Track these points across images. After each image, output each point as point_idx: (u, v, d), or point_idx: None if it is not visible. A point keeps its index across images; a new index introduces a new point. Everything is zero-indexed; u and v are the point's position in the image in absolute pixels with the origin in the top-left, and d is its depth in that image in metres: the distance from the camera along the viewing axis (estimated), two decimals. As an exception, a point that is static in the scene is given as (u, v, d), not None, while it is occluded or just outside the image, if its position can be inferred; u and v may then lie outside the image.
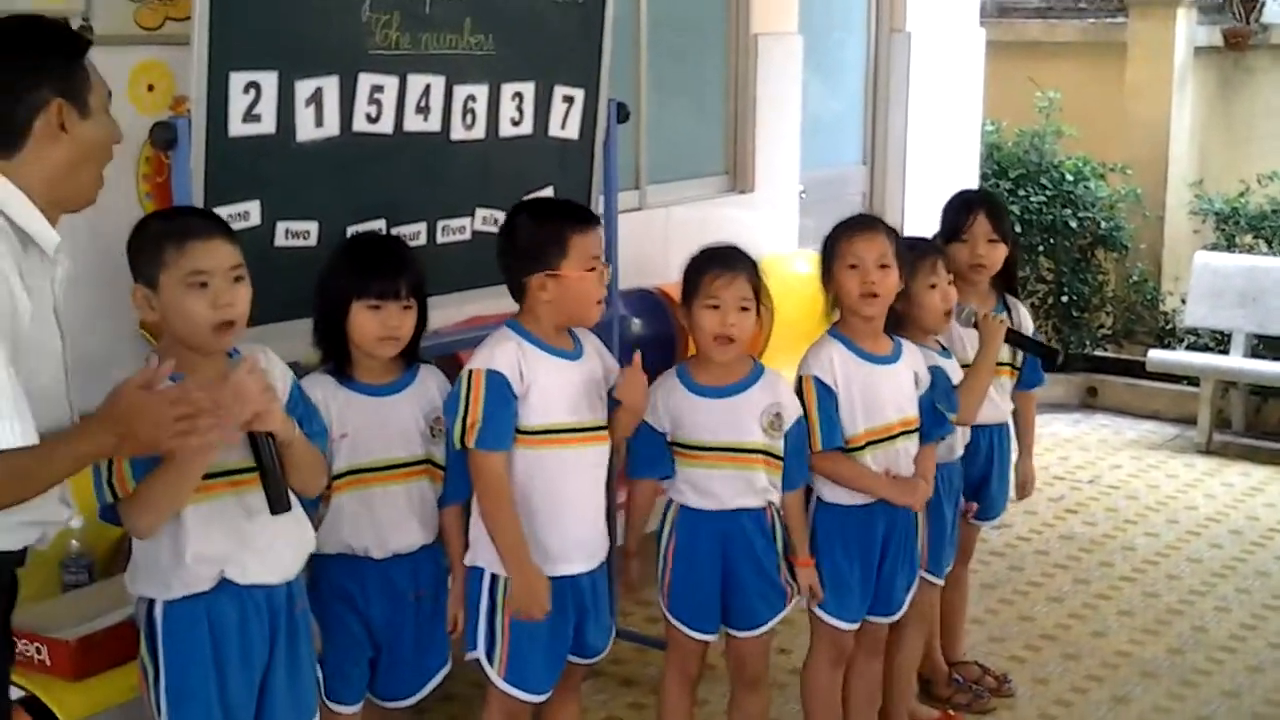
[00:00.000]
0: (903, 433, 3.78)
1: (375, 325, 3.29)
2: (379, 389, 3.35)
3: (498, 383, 3.29)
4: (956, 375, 4.02)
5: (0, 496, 2.42)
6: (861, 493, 3.75)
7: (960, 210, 4.35)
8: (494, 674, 3.40)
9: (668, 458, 3.64)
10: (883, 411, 3.75)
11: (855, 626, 3.87)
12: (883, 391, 3.76)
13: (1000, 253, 4.30)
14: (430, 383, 3.41)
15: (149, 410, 2.48)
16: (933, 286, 3.98)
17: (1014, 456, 4.58)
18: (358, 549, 3.32)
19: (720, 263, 3.60)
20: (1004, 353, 4.23)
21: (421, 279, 3.38)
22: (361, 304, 3.28)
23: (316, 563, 3.16)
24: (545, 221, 3.42)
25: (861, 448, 3.73)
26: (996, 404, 4.35)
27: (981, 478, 4.42)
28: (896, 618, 3.95)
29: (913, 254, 3.92)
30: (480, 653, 3.41)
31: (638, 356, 3.46)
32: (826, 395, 3.71)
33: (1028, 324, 4.47)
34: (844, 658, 3.93)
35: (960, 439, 4.16)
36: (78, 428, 2.58)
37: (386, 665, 3.41)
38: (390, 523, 3.34)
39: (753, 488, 3.62)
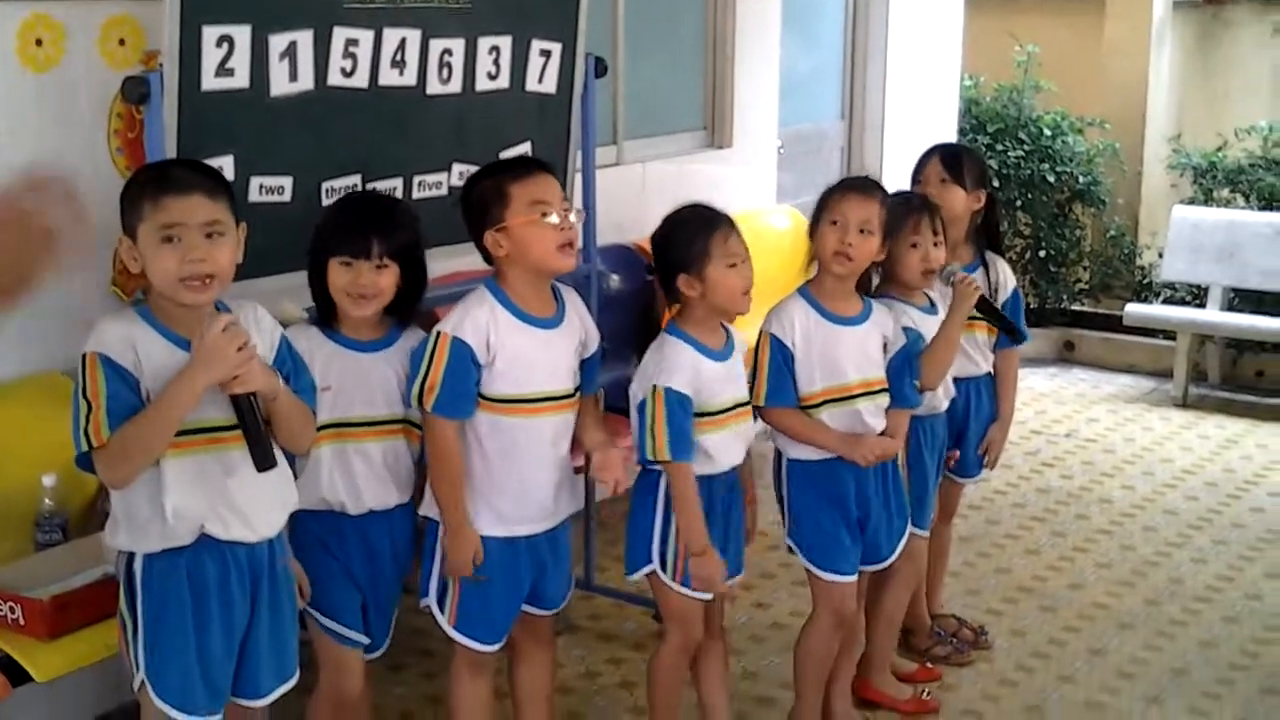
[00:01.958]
0: (863, 394, 3.77)
1: (346, 283, 3.27)
2: (363, 345, 3.33)
3: (460, 352, 3.26)
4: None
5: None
6: (813, 447, 3.76)
7: (921, 156, 4.44)
8: (444, 621, 3.41)
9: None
10: (841, 372, 3.74)
11: (854, 579, 3.86)
12: (843, 352, 3.75)
13: (955, 195, 4.29)
14: (414, 343, 3.37)
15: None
16: (914, 246, 3.98)
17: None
18: (334, 504, 3.31)
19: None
20: (985, 309, 4.22)
21: (410, 241, 3.33)
22: (335, 260, 3.28)
23: (295, 517, 3.13)
24: (486, 179, 3.40)
25: (817, 405, 3.74)
26: (972, 358, 4.36)
27: (959, 433, 4.42)
28: (885, 566, 3.95)
29: (898, 210, 3.91)
30: (432, 600, 3.42)
31: (618, 455, 3.44)
32: (780, 354, 3.72)
33: (1009, 281, 4.45)
34: (846, 622, 3.90)
35: (944, 393, 4.16)
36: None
37: (369, 619, 3.41)
38: (366, 480, 3.32)
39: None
